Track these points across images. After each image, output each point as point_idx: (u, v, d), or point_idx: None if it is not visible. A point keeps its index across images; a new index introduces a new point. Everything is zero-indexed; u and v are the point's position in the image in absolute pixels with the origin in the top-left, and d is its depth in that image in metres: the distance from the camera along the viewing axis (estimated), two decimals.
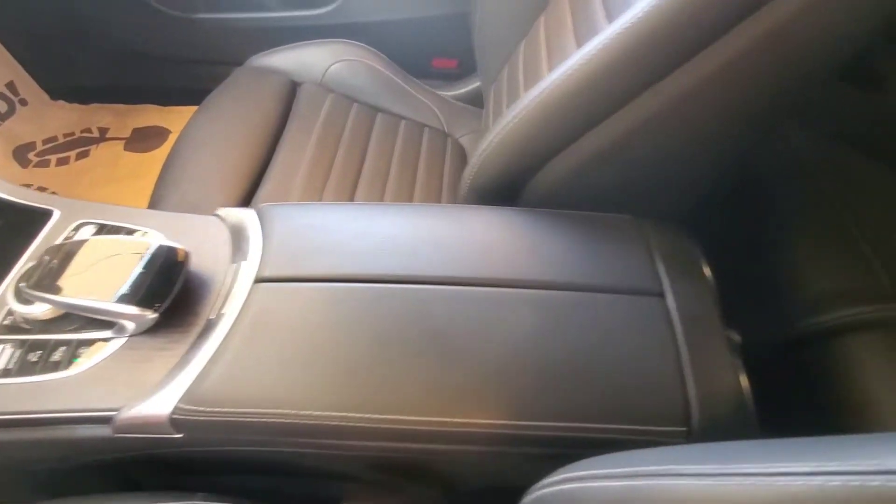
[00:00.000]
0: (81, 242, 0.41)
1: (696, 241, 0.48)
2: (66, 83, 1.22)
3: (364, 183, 0.73)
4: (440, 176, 0.79)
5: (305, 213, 0.49)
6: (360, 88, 0.86)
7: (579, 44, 0.55)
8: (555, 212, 0.49)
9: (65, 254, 0.40)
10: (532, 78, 0.64)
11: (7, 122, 1.15)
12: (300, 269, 0.43)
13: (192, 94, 1.22)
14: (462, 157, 0.83)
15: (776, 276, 0.56)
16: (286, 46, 0.88)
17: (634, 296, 0.42)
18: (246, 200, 0.68)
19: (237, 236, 0.46)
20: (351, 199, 0.71)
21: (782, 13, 0.35)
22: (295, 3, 0.99)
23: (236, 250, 0.45)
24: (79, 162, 1.13)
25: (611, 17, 0.51)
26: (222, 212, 0.49)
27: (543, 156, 0.46)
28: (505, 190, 0.51)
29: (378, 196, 0.72)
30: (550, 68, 0.60)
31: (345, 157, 0.75)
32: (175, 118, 1.22)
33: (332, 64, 0.86)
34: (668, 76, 0.39)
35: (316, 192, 0.70)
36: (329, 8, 0.98)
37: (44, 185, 1.08)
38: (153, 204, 0.67)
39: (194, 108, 1.19)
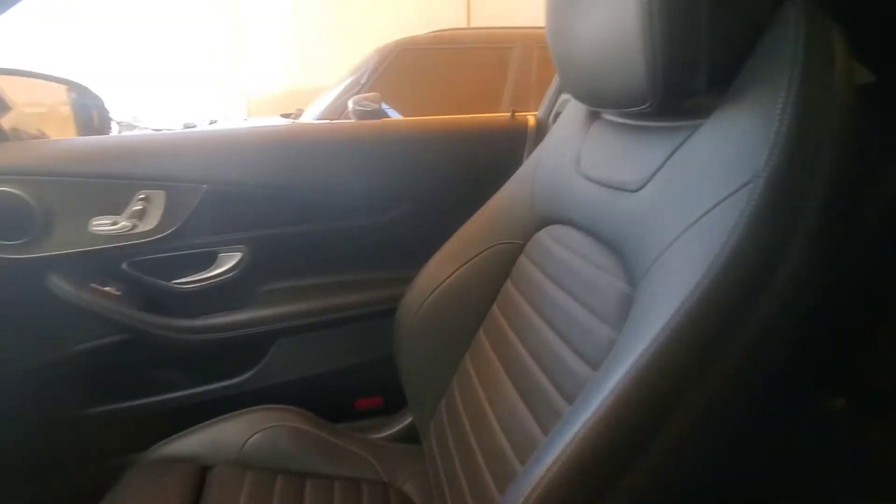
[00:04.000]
0: None
1: None
2: None
3: None
4: None
5: None
6: (284, 455, 0.78)
7: (511, 378, 0.58)
8: None
9: None
10: (472, 408, 0.65)
11: None
12: None
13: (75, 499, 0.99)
14: None
15: None
16: (192, 429, 0.80)
17: None
18: None
19: None
20: None
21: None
22: (207, 378, 0.96)
23: None
24: None
25: (532, 354, 0.56)
26: None
27: None
28: None
29: None
30: (489, 401, 0.61)
31: None
32: None
33: (250, 436, 0.78)
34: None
35: None
36: (245, 376, 0.96)
37: None
38: None
39: None
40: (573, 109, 0.70)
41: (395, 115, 1.12)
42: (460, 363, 0.74)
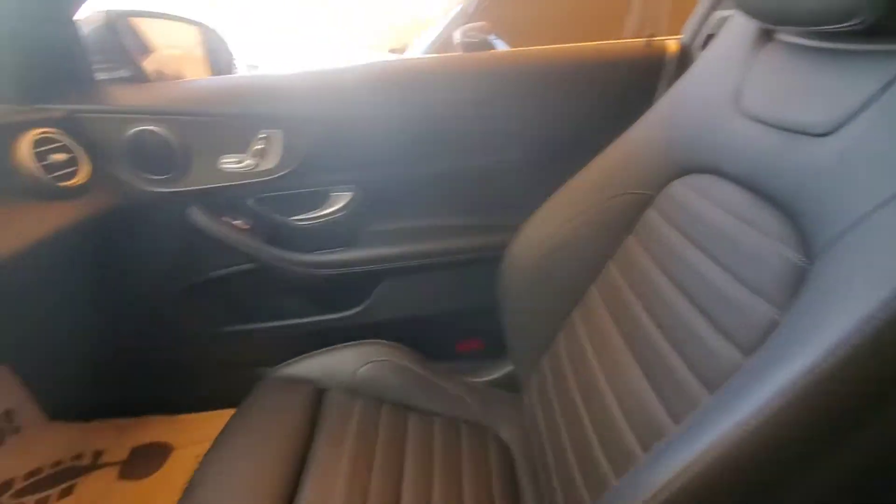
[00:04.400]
0: None
1: None
2: (70, 400, 1.17)
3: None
4: (488, 487, 0.68)
5: None
6: (389, 387, 0.82)
7: (633, 351, 0.52)
8: None
9: None
10: (582, 373, 0.61)
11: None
12: None
13: (204, 402, 1.17)
14: (508, 459, 0.74)
15: None
16: (312, 353, 0.87)
17: None
18: None
19: None
20: None
21: None
22: (320, 308, 1.04)
23: None
24: (61, 502, 0.98)
25: (661, 326, 0.49)
26: None
27: None
28: None
29: None
30: (604, 372, 0.56)
31: (383, 477, 0.65)
32: (180, 430, 1.13)
33: (361, 367, 0.83)
34: None
35: None
36: (354, 311, 1.01)
37: None
38: None
39: (203, 414, 1.13)
40: (735, 30, 0.57)
41: (503, 47, 1.03)
42: (568, 319, 0.69)
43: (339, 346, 0.87)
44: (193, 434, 1.12)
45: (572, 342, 0.66)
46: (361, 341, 0.87)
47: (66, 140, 0.78)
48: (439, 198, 0.97)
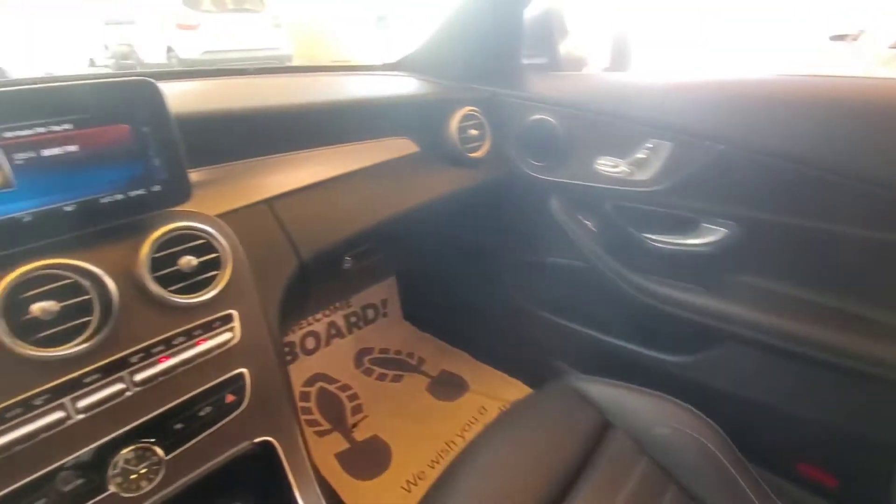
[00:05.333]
0: None
1: None
2: (416, 311, 1.50)
3: None
4: None
5: None
6: (683, 468, 0.69)
7: None
8: None
9: None
10: None
11: (367, 328, 1.45)
12: None
13: (500, 361, 1.30)
14: None
15: None
16: (616, 383, 0.81)
17: None
18: None
19: None
20: None
21: None
22: (639, 335, 0.95)
23: None
24: (391, 384, 1.29)
25: None
26: None
27: None
28: None
29: None
30: None
31: None
32: (477, 375, 1.29)
33: (662, 427, 0.72)
34: None
35: None
36: (681, 359, 0.89)
37: (356, 391, 1.26)
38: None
39: (497, 372, 1.24)
40: None
41: None
42: None
43: (647, 390, 0.77)
44: (485, 384, 1.27)
45: None
46: (673, 399, 0.75)
47: (482, 118, 0.92)
48: (853, 273, 0.70)
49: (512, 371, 1.29)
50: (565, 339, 1.09)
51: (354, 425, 1.15)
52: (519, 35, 0.98)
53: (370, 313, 1.48)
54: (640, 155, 0.81)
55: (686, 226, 0.83)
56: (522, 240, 1.09)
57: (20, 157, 0.39)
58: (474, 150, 0.90)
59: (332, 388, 1.27)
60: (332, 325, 1.38)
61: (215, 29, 5.75)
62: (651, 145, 0.79)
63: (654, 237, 0.87)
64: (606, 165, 0.85)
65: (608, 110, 0.85)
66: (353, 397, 1.24)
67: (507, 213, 1.06)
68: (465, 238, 1.20)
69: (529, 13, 1.01)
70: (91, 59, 7.28)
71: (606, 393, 0.80)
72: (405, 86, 0.94)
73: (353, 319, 1.44)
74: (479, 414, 1.17)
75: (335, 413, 1.19)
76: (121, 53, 6.84)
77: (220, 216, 0.56)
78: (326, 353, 1.35)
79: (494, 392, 1.23)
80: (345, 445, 1.09)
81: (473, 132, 0.90)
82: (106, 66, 6.92)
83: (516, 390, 1.23)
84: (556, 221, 0.95)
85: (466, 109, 0.89)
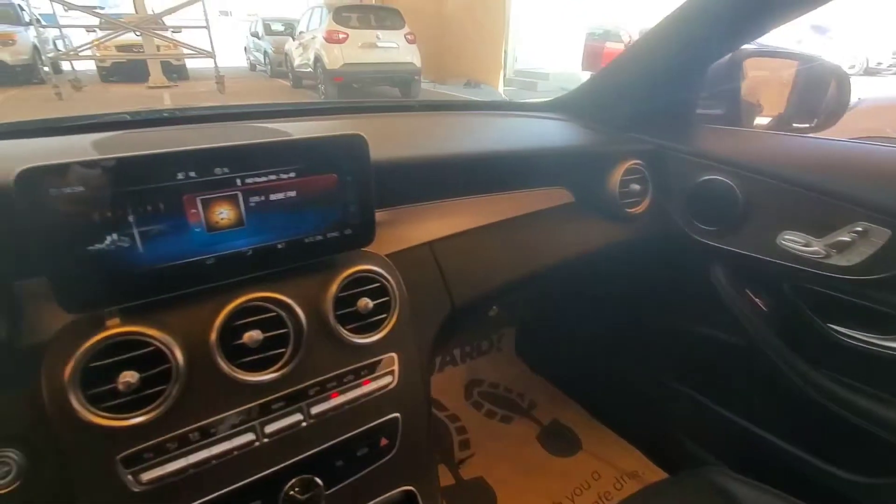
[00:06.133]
0: None
1: None
2: (533, 352, 1.46)
3: None
4: None
5: None
6: None
7: None
8: None
9: None
10: None
11: (480, 359, 1.45)
12: None
13: (616, 423, 1.20)
14: None
15: None
16: (763, 486, 0.69)
17: None
18: None
19: None
20: None
21: None
22: (806, 439, 0.81)
23: None
24: (500, 424, 1.26)
25: None
26: None
27: None
28: None
29: None
30: None
31: None
32: (597, 438, 1.20)
33: None
34: None
35: None
36: (870, 480, 0.74)
37: (464, 424, 1.25)
38: None
39: (614, 435, 1.15)
40: None
41: None
42: None
43: None
44: (600, 446, 1.18)
45: None
46: None
47: (646, 172, 0.86)
48: None
49: (633, 439, 1.18)
50: (707, 421, 0.97)
51: (461, 461, 1.13)
52: (698, 86, 0.91)
53: (484, 345, 1.47)
54: (843, 238, 0.69)
55: (890, 325, 0.69)
56: (669, 304, 1.00)
57: (254, 199, 0.44)
58: (633, 205, 0.85)
59: (441, 415, 1.27)
60: (447, 351, 1.39)
61: (357, 42, 6.44)
62: (861, 229, 0.67)
63: (845, 331, 0.74)
64: (795, 242, 0.74)
65: (804, 181, 0.74)
66: (461, 430, 1.23)
67: (657, 273, 0.98)
68: (601, 289, 1.13)
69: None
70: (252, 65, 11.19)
71: (761, 501, 0.69)
72: (567, 134, 0.91)
73: (467, 349, 1.44)
74: (593, 479, 1.08)
75: (442, 443, 1.19)
76: (276, 61, 9.17)
77: (389, 255, 0.59)
78: (439, 379, 1.36)
79: (610, 458, 1.14)
80: (451, 481, 1.08)
81: (635, 187, 0.84)
82: (264, 71, 10.24)
83: (635, 461, 1.13)
84: (716, 291, 0.85)
85: (631, 163, 0.84)
